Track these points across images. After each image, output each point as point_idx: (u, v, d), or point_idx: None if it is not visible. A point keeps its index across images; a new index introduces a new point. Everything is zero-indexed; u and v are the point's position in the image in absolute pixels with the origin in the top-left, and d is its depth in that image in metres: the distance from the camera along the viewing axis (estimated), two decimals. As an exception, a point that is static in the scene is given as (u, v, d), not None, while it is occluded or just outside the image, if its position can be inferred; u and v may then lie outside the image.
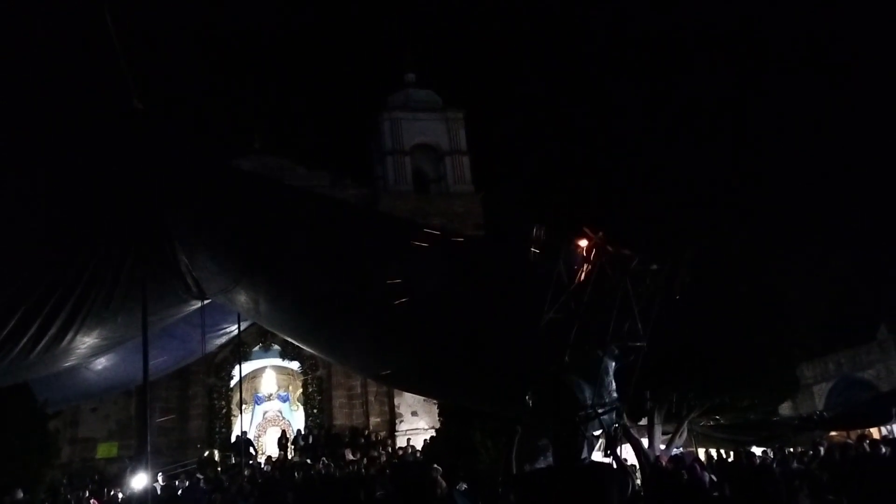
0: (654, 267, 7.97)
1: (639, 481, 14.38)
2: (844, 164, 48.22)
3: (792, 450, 15.04)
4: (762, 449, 15.50)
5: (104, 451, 23.48)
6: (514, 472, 6.38)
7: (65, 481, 18.88)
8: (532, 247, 7.94)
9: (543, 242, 7.94)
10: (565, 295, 7.83)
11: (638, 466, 14.67)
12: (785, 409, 21.13)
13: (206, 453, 22.23)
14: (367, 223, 12.50)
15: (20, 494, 12.46)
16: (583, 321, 7.92)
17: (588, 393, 7.83)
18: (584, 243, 7.75)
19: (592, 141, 63.69)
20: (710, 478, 11.72)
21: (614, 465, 7.94)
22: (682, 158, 56.41)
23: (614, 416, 8.17)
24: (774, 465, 12.42)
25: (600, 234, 7.76)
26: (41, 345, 10.90)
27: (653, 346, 11.66)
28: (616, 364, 8.28)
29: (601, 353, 7.97)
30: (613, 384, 8.19)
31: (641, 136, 61.52)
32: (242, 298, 12.43)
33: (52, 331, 10.75)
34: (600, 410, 7.68)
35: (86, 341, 11.93)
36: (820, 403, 27.34)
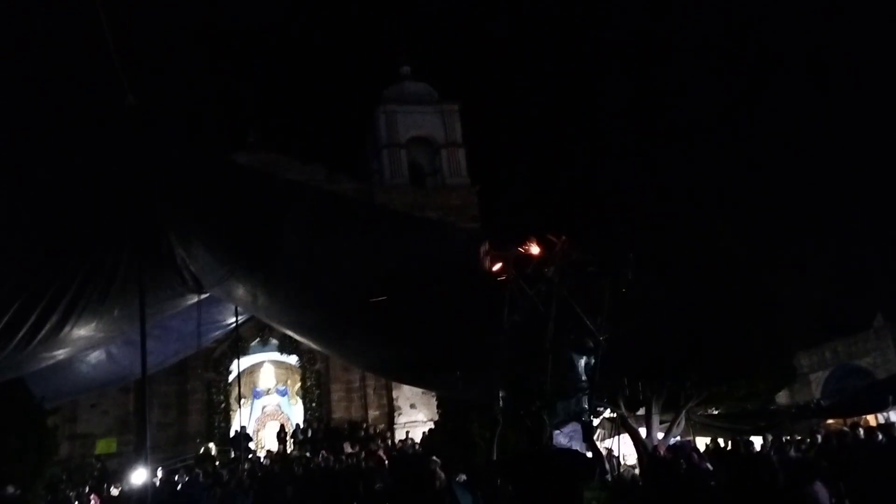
0: (591, 269, 8.25)
1: (636, 471, 14.48)
2: (840, 154, 48.30)
3: (789, 438, 15.09)
4: (761, 438, 15.55)
5: (103, 446, 23.48)
6: (495, 457, 6.84)
7: (64, 477, 18.89)
8: (482, 262, 8.15)
9: (491, 256, 8.17)
10: (526, 299, 8.20)
11: (636, 455, 14.76)
12: (782, 397, 21.27)
13: (203, 449, 22.26)
14: (363, 216, 12.52)
15: (10, 490, 12.41)
16: (548, 322, 8.21)
17: (550, 387, 8.20)
18: (536, 250, 8.10)
19: (589, 133, 63.65)
20: (706, 466, 11.76)
21: (587, 453, 8.34)
22: (677, 149, 56.42)
23: (585, 405, 8.49)
24: (772, 454, 12.44)
25: (563, 238, 7.94)
26: (38, 338, 10.92)
27: (651, 337, 11.79)
28: (586, 358, 8.55)
29: (565, 350, 8.29)
30: (583, 377, 8.47)
31: (638, 127, 61.51)
32: (240, 292, 12.45)
33: (49, 325, 10.76)
34: (558, 399, 8.08)
35: (82, 334, 11.94)
36: (817, 392, 27.48)
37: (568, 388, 8.60)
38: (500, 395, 9.16)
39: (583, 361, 8.78)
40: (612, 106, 64.77)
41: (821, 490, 10.33)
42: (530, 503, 6.75)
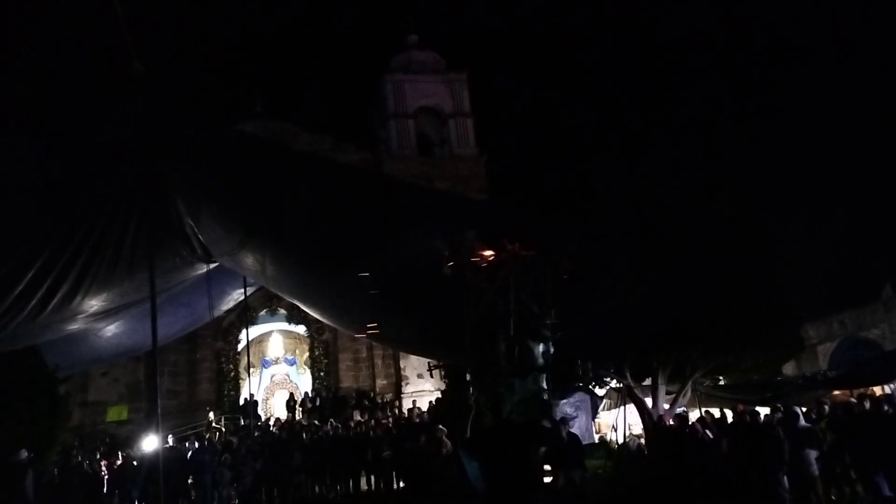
0: (564, 276, 9.38)
1: (642, 440, 14.59)
2: (847, 121, 47.73)
3: (795, 410, 15.10)
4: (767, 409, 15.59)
5: (114, 414, 23.80)
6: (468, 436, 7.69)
7: (76, 444, 19.17)
8: (444, 264, 9.44)
9: (453, 259, 9.52)
10: (486, 297, 9.56)
11: (641, 425, 14.87)
12: (789, 368, 21.25)
13: (211, 416, 22.54)
14: (368, 186, 12.52)
15: (24, 454, 12.56)
16: (510, 316, 9.61)
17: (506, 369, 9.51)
18: (489, 253, 9.45)
19: (598, 99, 63.07)
20: (706, 434, 11.85)
21: (548, 425, 9.26)
22: (683, 114, 55.63)
23: (543, 384, 9.68)
24: (777, 424, 12.47)
25: (516, 244, 9.34)
26: (50, 307, 11.04)
27: (657, 307, 11.79)
28: (543, 345, 9.36)
29: (523, 337, 9.55)
30: (539, 360, 9.66)
31: (643, 87, 60.79)
32: (249, 261, 12.53)
33: (60, 295, 10.87)
34: (514, 378, 9.44)
35: (93, 304, 12.06)
36: (824, 363, 27.46)
37: (524, 370, 9.51)
38: (468, 374, 10.14)
39: (540, 347, 9.73)
40: (617, 67, 64.09)
41: (810, 454, 10.43)
42: (494, 472, 7.51)
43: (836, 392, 16.85)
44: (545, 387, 9.69)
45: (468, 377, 10.44)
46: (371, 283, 10.67)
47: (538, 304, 9.61)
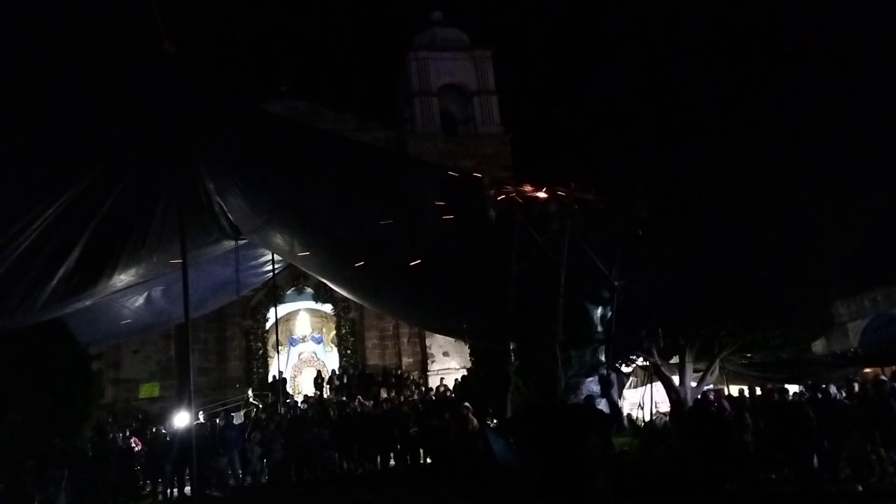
0: (601, 206, 7.62)
1: (667, 418, 14.54)
2: (882, 97, 46.52)
3: (825, 387, 14.96)
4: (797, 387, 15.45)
5: (146, 391, 24.25)
6: (509, 415, 7.07)
7: (110, 420, 19.58)
8: (490, 205, 7.91)
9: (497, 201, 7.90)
10: (534, 246, 7.85)
11: (668, 403, 14.81)
12: (819, 346, 21.01)
13: (250, 393, 22.91)
14: (393, 166, 12.51)
15: None
16: (559, 269, 7.95)
17: (563, 337, 7.89)
18: (541, 194, 7.73)
19: (628, 73, 62.15)
20: (732, 414, 11.77)
21: (604, 409, 8.11)
22: (710, 89, 54.57)
23: (601, 357, 8.15)
24: (806, 402, 12.36)
25: (573, 184, 7.76)
26: (76, 279, 11.19)
27: (685, 284, 11.65)
28: (602, 309, 8.17)
29: (578, 298, 7.91)
30: (598, 328, 8.10)
31: (673, 61, 59.68)
32: (278, 239, 12.63)
33: (88, 268, 11.00)
34: (570, 349, 7.77)
35: (123, 279, 12.22)
36: (854, 341, 27.10)
37: (581, 339, 8.29)
38: (511, 347, 9.04)
39: (598, 312, 8.39)
40: (647, 41, 63.04)
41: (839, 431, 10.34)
42: (538, 458, 6.83)
43: (867, 370, 16.68)
44: (604, 360, 8.51)
45: (511, 346, 9.25)
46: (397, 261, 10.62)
47: (604, 261, 7.79)
